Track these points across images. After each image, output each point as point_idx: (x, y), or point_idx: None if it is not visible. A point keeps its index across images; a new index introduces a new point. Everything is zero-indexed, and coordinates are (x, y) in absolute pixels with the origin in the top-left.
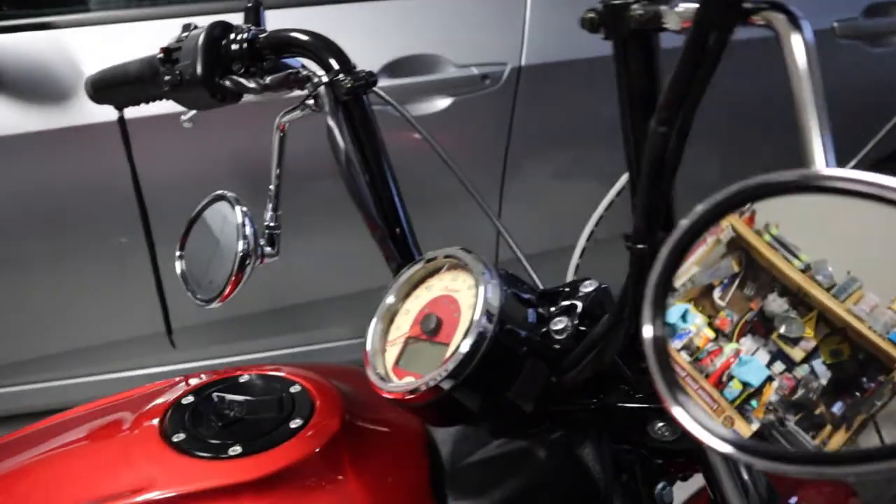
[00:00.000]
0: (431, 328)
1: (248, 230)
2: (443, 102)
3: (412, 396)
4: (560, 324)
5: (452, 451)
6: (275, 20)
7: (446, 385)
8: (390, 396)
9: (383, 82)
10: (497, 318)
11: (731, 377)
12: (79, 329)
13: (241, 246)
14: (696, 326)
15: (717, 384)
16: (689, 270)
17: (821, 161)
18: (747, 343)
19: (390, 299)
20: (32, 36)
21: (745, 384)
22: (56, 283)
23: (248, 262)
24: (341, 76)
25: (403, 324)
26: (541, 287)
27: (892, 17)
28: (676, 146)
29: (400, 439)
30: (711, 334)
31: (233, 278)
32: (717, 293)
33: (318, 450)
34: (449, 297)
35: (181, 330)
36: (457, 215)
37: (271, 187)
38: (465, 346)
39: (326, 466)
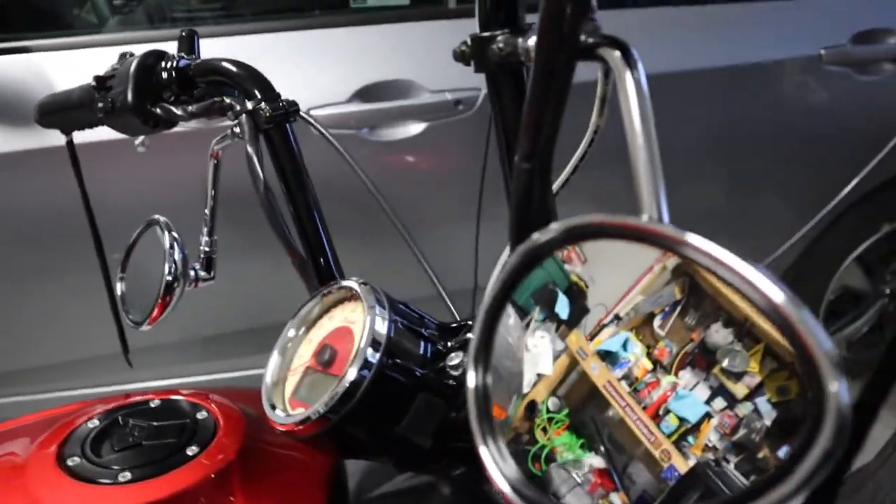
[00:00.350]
0: (326, 359)
1: (176, 255)
2: (416, 128)
3: (301, 428)
4: (456, 359)
5: (360, 483)
6: (252, 45)
7: (332, 416)
8: (281, 428)
9: (356, 107)
10: (384, 349)
11: (667, 411)
12: (40, 347)
13: (166, 270)
14: (635, 356)
15: (655, 417)
16: (633, 299)
17: (650, 210)
18: (686, 376)
19: (290, 332)
20: (10, 59)
21: (682, 419)
22: (20, 301)
23: (175, 286)
24: (262, 105)
25: (306, 353)
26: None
27: (881, 44)
28: (541, 182)
29: (300, 470)
30: (649, 365)
31: (159, 301)
32: (657, 322)
33: (208, 478)
34: (346, 328)
35: (140, 350)
36: (434, 239)
37: (206, 211)
38: (350, 377)
39: (215, 495)
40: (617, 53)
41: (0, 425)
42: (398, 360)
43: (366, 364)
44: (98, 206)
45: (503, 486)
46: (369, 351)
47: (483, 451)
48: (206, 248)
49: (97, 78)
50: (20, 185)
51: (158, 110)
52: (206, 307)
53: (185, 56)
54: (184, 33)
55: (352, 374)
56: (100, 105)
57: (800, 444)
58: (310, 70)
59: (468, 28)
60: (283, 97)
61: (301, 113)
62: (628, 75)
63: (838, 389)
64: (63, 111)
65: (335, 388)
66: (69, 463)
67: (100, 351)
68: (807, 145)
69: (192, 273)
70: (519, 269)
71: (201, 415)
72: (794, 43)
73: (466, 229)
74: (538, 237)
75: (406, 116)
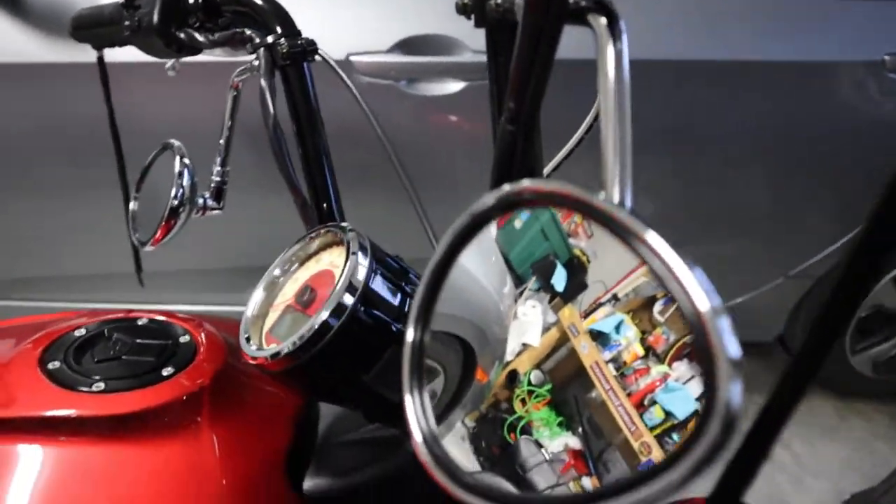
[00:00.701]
0: (305, 300)
1: (184, 181)
2: (455, 86)
3: (270, 363)
4: None
5: (331, 426)
6: None
7: (300, 355)
8: (252, 361)
9: (397, 58)
10: (359, 295)
11: (653, 402)
12: (63, 257)
13: (172, 194)
14: (627, 340)
15: (638, 406)
16: (635, 280)
17: (612, 191)
18: (681, 369)
19: (276, 271)
20: None
21: (669, 414)
22: (47, 211)
23: (181, 210)
24: (280, 41)
25: (289, 292)
26: None
27: None
28: (524, 145)
29: (270, 404)
30: (641, 351)
31: (163, 224)
32: (657, 307)
33: (178, 400)
34: (330, 272)
35: (155, 273)
36: (462, 201)
37: (221, 142)
38: (321, 318)
39: (179, 418)
40: (602, 20)
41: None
42: (373, 310)
43: (339, 308)
44: (126, 127)
45: (416, 436)
46: (345, 296)
47: (407, 400)
48: (218, 178)
49: None
50: (60, 96)
51: (182, 35)
52: (231, 239)
53: None
54: None
55: (323, 315)
56: (126, 23)
57: (689, 436)
58: (355, 14)
59: None
60: (304, 36)
61: (320, 52)
62: (610, 46)
63: (730, 388)
64: (94, 27)
65: (305, 327)
66: (49, 366)
67: (119, 268)
68: (857, 153)
69: (200, 201)
70: (465, 231)
71: (184, 338)
72: (855, 45)
73: None
74: (484, 201)
75: (446, 73)
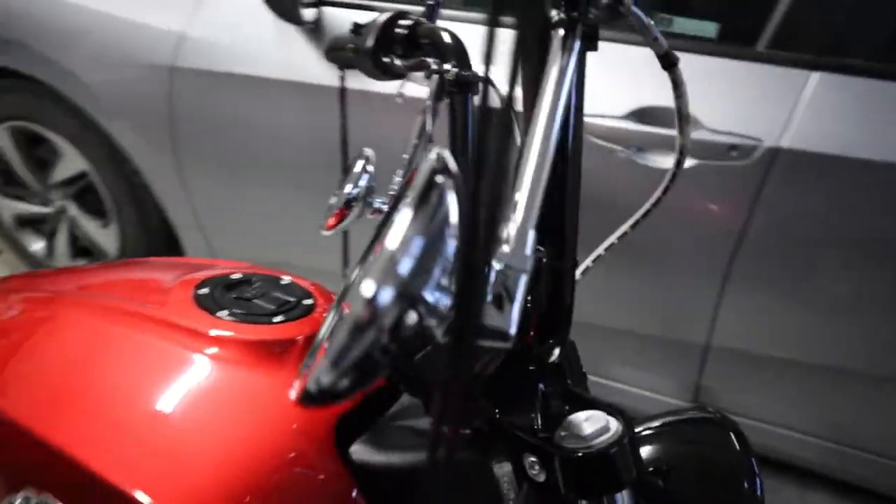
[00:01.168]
0: None
1: (361, 181)
2: (687, 162)
3: None
4: None
5: (406, 408)
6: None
7: None
8: None
9: (628, 125)
10: None
11: None
12: (287, 247)
13: (347, 188)
14: None
15: None
16: None
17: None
18: None
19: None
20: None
21: None
22: (283, 207)
23: (353, 205)
24: (451, 70)
25: None
26: None
27: None
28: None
29: None
30: None
31: (335, 212)
32: None
33: (273, 341)
34: None
35: None
36: (668, 281)
37: (405, 156)
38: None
39: (270, 359)
40: (560, 32)
41: (196, 259)
42: None
43: None
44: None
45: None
46: None
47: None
48: (396, 188)
49: (355, 24)
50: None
51: (387, 60)
52: None
53: (423, 20)
54: (431, 2)
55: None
56: (350, 46)
57: None
58: (599, 81)
59: (773, 73)
60: (474, 71)
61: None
62: (558, 59)
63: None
64: (338, 50)
65: None
66: (199, 291)
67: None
68: None
69: (375, 203)
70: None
71: (307, 301)
72: None
73: (707, 284)
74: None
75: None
